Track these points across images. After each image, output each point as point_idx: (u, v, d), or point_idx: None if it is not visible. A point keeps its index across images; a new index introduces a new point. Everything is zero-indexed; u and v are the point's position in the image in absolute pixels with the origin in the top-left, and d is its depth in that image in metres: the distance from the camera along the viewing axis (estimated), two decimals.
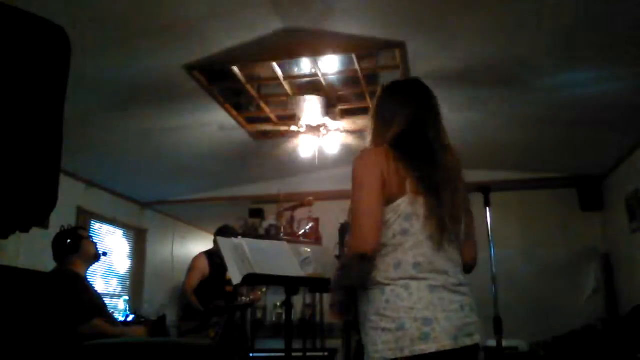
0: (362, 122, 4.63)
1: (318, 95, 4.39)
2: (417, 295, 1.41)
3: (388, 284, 1.44)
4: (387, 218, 1.46)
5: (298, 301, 5.10)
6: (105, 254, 3.47)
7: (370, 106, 1.79)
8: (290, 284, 2.27)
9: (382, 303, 1.43)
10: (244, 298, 3.89)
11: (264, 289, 4.39)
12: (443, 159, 1.53)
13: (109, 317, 3.26)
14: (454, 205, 1.50)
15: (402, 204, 1.45)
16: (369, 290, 1.47)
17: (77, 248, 3.16)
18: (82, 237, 3.21)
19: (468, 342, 1.42)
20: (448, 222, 1.47)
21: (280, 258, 2.37)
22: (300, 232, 4.88)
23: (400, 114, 1.59)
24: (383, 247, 1.46)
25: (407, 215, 1.45)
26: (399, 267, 1.44)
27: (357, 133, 4.61)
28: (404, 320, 1.38)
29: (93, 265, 3.36)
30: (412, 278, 1.43)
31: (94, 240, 3.39)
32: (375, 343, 1.41)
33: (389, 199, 1.46)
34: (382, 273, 1.45)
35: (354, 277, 1.48)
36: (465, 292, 1.49)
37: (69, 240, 3.18)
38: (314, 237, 5.14)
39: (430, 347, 1.36)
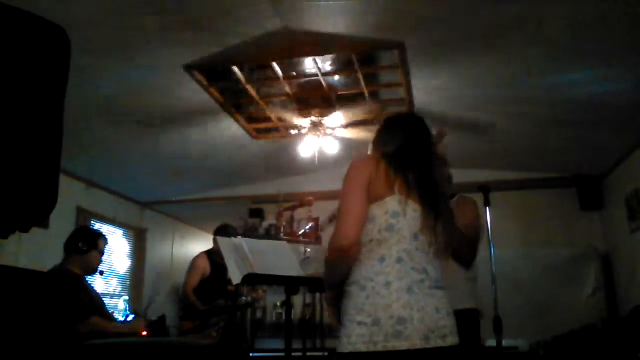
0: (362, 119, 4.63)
1: (318, 95, 4.40)
2: (396, 295, 1.47)
3: (371, 280, 1.51)
4: (373, 214, 1.54)
5: (298, 301, 5.10)
6: (102, 273, 3.47)
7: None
8: (290, 284, 2.27)
9: (363, 299, 1.50)
10: (244, 298, 3.89)
11: (265, 288, 4.39)
12: (431, 173, 1.63)
13: (108, 317, 3.26)
14: (442, 212, 1.60)
15: (390, 201, 1.53)
16: (351, 286, 1.55)
17: (83, 252, 3.16)
18: (95, 246, 3.20)
19: (441, 343, 1.47)
20: (435, 226, 1.56)
21: (280, 258, 2.37)
22: (300, 232, 4.87)
23: (394, 143, 1.71)
24: (369, 243, 1.54)
25: (394, 212, 1.53)
26: (383, 261, 1.52)
27: (357, 132, 4.61)
28: (380, 316, 1.46)
29: (91, 275, 3.34)
30: (394, 275, 1.49)
31: (104, 256, 3.35)
32: (350, 335, 1.48)
33: (376, 197, 1.54)
34: (367, 268, 1.52)
35: (337, 273, 1.58)
36: (442, 296, 1.54)
37: (80, 244, 3.18)
38: (314, 237, 5.14)
39: (402, 345, 1.43)
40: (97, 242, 3.23)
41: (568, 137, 4.76)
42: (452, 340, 1.50)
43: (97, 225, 5.70)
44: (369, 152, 1.80)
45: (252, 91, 4.23)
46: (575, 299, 5.39)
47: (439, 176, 1.68)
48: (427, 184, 1.59)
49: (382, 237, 1.52)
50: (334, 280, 1.61)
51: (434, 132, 2.53)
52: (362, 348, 1.44)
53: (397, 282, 1.48)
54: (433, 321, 1.47)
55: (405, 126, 1.78)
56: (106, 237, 3.44)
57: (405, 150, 1.67)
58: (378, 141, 1.78)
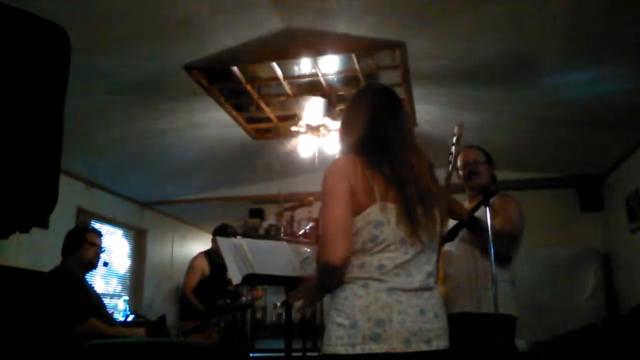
0: None
1: (318, 95, 4.40)
2: (374, 295, 1.42)
3: (349, 282, 1.46)
4: (357, 227, 1.45)
5: (298, 301, 5.09)
6: (105, 264, 3.44)
7: None
8: (290, 284, 2.27)
9: (341, 299, 1.45)
10: (244, 298, 3.89)
11: (265, 287, 4.39)
12: (405, 158, 1.53)
13: (106, 317, 3.26)
14: (425, 206, 1.50)
15: (373, 212, 1.45)
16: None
17: (74, 250, 3.16)
18: (84, 240, 3.19)
19: (424, 347, 1.41)
20: (419, 225, 1.47)
21: (280, 258, 2.37)
22: (300, 232, 4.87)
23: (360, 119, 1.61)
24: (352, 251, 1.46)
25: (377, 222, 1.45)
26: (362, 267, 1.46)
27: None
28: (358, 318, 1.40)
29: (91, 270, 3.33)
30: (374, 279, 1.44)
31: (101, 248, 3.32)
32: (330, 337, 1.43)
33: (359, 209, 1.45)
34: (348, 273, 1.47)
35: (328, 285, 1.52)
36: (429, 297, 1.48)
37: (72, 241, 3.18)
38: (314, 237, 5.13)
39: (380, 348, 1.38)
40: (85, 235, 3.23)
41: (568, 137, 4.76)
42: (438, 344, 1.44)
43: (97, 225, 5.70)
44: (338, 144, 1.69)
45: (252, 91, 4.22)
46: (575, 298, 5.38)
47: (419, 162, 1.55)
48: (402, 178, 1.48)
49: (366, 248, 1.45)
50: (326, 287, 1.55)
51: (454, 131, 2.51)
52: (341, 350, 1.39)
53: (377, 284, 1.43)
54: (415, 324, 1.41)
55: (366, 100, 1.65)
56: (98, 230, 3.43)
57: (372, 135, 1.55)
58: (342, 128, 1.67)
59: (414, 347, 1.39)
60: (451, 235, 2.51)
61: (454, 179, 2.66)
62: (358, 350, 1.38)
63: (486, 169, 2.72)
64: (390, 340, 1.38)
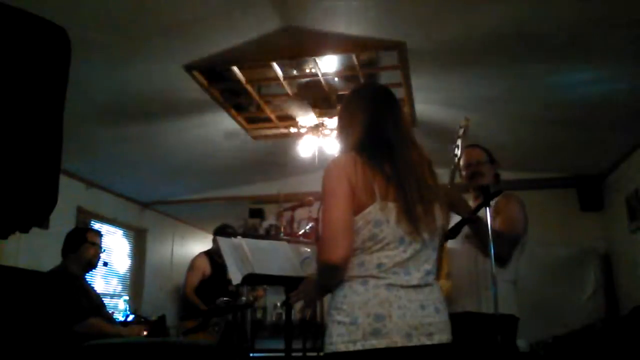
0: None
1: (318, 95, 4.40)
2: (373, 292, 1.42)
3: (348, 280, 1.46)
4: (357, 226, 1.46)
5: (298, 302, 5.10)
6: (105, 264, 3.45)
7: None
8: (290, 284, 2.27)
9: (340, 298, 1.46)
10: (243, 298, 3.90)
11: (266, 287, 4.40)
12: (405, 156, 1.54)
13: (106, 316, 3.26)
14: (425, 203, 1.50)
15: (373, 210, 1.45)
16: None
17: (75, 249, 3.16)
18: (85, 240, 3.20)
19: (426, 341, 1.41)
20: (419, 223, 1.47)
21: (280, 258, 2.37)
22: (300, 232, 4.87)
23: (359, 118, 1.62)
24: (352, 250, 1.46)
25: (377, 221, 1.45)
26: (361, 266, 1.46)
27: None
28: (357, 315, 1.41)
29: (91, 270, 3.33)
30: (372, 276, 1.44)
31: (101, 248, 3.31)
32: (331, 335, 1.43)
33: (359, 208, 1.46)
34: (346, 271, 1.47)
35: (329, 283, 1.52)
36: (429, 292, 1.48)
37: (73, 241, 3.19)
38: (314, 237, 5.13)
39: (380, 343, 1.38)
40: (85, 235, 3.24)
41: (568, 137, 4.76)
42: (440, 337, 1.44)
43: (97, 225, 5.70)
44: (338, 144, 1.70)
45: (252, 91, 4.22)
46: (575, 299, 5.38)
47: (419, 159, 1.57)
48: (403, 176, 1.49)
49: (366, 247, 1.46)
50: (326, 286, 1.56)
51: (460, 125, 2.50)
52: (342, 348, 1.39)
53: (375, 281, 1.43)
54: (416, 318, 1.41)
55: (365, 100, 1.66)
56: (98, 230, 3.44)
57: (372, 134, 1.57)
58: (341, 128, 1.68)
59: (415, 341, 1.39)
60: (453, 232, 2.50)
61: (456, 179, 2.65)
62: (359, 346, 1.38)
63: (489, 168, 2.70)
64: (391, 334, 1.38)
